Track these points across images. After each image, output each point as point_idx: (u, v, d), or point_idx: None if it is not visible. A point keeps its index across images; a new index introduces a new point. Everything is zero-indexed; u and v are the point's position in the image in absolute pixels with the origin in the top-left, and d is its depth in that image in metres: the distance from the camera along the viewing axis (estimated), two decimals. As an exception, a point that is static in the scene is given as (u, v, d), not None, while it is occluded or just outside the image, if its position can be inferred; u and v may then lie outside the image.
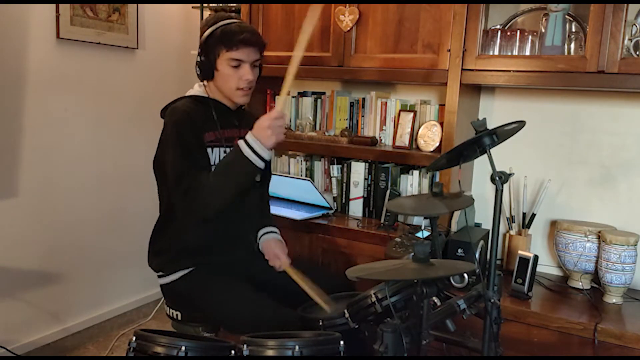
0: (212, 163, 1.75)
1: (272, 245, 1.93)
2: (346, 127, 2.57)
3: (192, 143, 1.71)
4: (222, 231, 1.83)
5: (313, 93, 2.71)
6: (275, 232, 2.00)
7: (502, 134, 1.47)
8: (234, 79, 1.75)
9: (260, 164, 1.65)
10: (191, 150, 1.70)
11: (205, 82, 1.83)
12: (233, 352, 1.40)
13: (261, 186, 2.03)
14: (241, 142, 1.65)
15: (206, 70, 1.76)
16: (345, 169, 2.55)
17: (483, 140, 1.44)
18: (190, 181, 1.65)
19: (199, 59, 1.76)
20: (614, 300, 1.92)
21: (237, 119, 1.87)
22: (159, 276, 1.86)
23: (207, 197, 1.64)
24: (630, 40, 1.86)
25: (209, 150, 1.75)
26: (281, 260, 1.88)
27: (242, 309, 1.71)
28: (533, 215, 2.18)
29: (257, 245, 1.97)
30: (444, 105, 2.18)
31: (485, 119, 1.44)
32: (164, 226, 1.85)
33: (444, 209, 1.67)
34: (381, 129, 2.51)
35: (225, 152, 1.78)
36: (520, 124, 1.49)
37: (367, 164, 2.48)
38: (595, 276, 1.99)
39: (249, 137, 1.65)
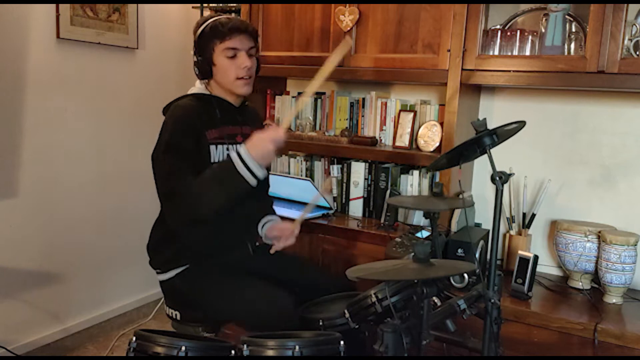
0: (214, 160, 1.74)
1: (278, 225, 1.91)
2: (346, 127, 2.57)
3: (187, 143, 1.68)
4: (219, 229, 1.82)
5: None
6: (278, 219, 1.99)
7: (502, 134, 1.47)
8: (232, 69, 1.74)
9: (253, 182, 1.60)
10: (184, 152, 1.67)
11: (206, 82, 1.82)
12: (233, 352, 1.41)
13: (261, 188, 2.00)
14: (234, 157, 1.59)
15: (204, 69, 1.76)
16: (345, 169, 2.55)
17: (483, 140, 1.44)
18: (176, 183, 1.62)
19: (195, 59, 1.76)
20: (614, 300, 1.92)
21: (239, 115, 1.86)
22: (158, 273, 1.86)
23: (193, 203, 1.60)
24: (630, 40, 1.86)
25: (212, 147, 1.74)
26: (290, 228, 1.84)
27: (239, 303, 1.71)
28: (533, 216, 2.18)
29: (262, 238, 1.94)
30: (444, 105, 2.19)
31: (485, 119, 1.44)
32: (161, 222, 1.84)
33: (443, 207, 1.68)
34: (381, 129, 2.51)
35: (227, 149, 1.77)
36: (520, 124, 1.49)
37: (367, 164, 2.48)
38: (595, 276, 1.99)
39: (244, 153, 1.59)
